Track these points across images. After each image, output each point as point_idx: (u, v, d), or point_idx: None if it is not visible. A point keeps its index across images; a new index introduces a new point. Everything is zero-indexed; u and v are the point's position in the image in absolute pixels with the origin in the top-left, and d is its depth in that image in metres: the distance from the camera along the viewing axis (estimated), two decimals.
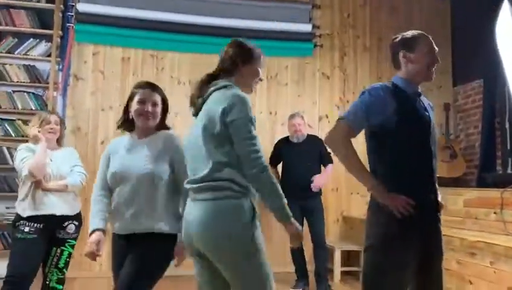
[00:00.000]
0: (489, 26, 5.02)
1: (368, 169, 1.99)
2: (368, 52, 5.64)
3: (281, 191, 1.77)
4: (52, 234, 2.76)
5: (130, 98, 2.20)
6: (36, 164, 2.67)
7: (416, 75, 2.00)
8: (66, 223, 2.78)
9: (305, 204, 4.09)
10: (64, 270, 2.82)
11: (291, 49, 5.42)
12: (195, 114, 1.93)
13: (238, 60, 1.91)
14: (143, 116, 2.15)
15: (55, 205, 2.74)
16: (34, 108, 4.70)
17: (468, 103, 5.59)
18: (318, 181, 4.14)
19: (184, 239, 1.89)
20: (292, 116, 4.40)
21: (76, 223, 2.85)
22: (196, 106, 1.92)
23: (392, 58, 2.08)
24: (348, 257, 4.82)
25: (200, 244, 1.78)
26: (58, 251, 2.79)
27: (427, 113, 2.04)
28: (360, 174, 1.93)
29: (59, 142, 2.94)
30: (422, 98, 2.08)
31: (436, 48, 2.02)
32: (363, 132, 2.01)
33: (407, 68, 2.01)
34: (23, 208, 2.73)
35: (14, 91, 4.74)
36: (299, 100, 5.42)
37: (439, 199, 2.04)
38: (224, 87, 1.85)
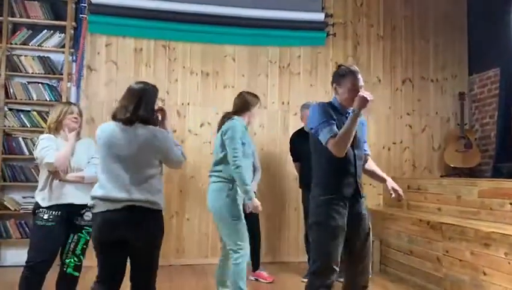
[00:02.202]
0: (506, 14, 4.92)
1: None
2: (382, 41, 5.57)
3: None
4: (70, 220, 2.82)
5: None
6: (63, 156, 2.75)
7: (343, 102, 2.60)
8: (84, 211, 2.82)
9: None
10: (81, 257, 2.87)
11: (303, 39, 5.37)
12: None
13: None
14: None
15: (74, 195, 2.80)
16: (48, 99, 4.76)
17: (484, 92, 5.50)
18: None
19: None
20: (306, 107, 4.37)
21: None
22: None
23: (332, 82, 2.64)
24: None
25: None
26: (76, 237, 2.85)
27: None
28: (347, 128, 2.43)
29: (78, 133, 2.98)
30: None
31: (360, 84, 2.51)
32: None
33: (338, 96, 2.61)
34: (43, 197, 2.80)
35: (29, 82, 4.80)
36: (311, 90, 5.39)
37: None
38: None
